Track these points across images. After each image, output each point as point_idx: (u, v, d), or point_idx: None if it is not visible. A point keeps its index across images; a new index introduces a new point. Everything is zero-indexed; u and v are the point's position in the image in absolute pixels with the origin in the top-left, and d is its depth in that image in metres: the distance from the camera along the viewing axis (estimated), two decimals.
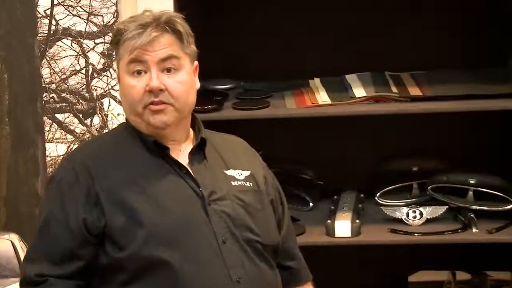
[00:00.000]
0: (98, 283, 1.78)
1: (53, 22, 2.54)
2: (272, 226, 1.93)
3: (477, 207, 2.48)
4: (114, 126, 2.53)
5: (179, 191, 1.81)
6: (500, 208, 2.47)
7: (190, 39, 1.86)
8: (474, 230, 2.41)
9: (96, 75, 2.56)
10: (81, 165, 1.79)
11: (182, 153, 1.86)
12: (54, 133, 2.58)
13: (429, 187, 2.55)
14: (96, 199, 1.76)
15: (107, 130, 2.57)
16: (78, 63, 2.55)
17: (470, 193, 2.51)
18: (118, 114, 2.56)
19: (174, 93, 1.80)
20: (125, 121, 1.91)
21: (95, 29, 2.54)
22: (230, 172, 1.91)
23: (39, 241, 1.79)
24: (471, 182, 2.52)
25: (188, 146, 1.88)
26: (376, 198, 2.63)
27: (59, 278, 1.75)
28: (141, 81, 1.80)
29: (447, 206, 2.50)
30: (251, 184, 1.92)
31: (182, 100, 1.82)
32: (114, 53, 1.89)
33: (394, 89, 2.51)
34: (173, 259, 1.74)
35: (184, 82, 1.83)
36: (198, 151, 1.88)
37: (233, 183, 1.89)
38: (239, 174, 1.91)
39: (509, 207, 2.46)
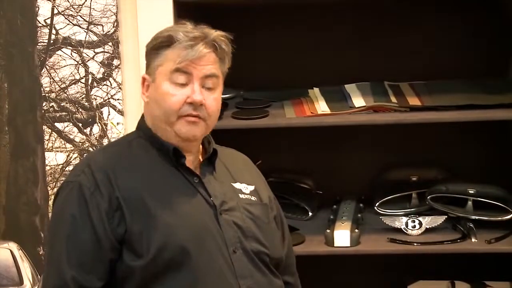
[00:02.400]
0: None
1: (53, 31, 2.55)
2: (277, 240, 1.97)
3: (476, 217, 2.48)
4: (113, 135, 2.56)
5: (193, 200, 1.83)
6: (499, 218, 2.48)
7: (228, 60, 1.90)
8: (473, 240, 2.41)
9: (95, 84, 2.56)
10: (100, 171, 1.78)
11: (193, 164, 1.89)
12: (53, 142, 2.58)
13: (428, 197, 2.55)
14: (117, 206, 1.76)
15: (106, 139, 2.57)
16: (78, 72, 2.55)
17: (469, 203, 2.51)
18: (117, 123, 2.56)
19: (210, 110, 1.85)
20: (136, 130, 1.92)
21: (95, 38, 2.54)
22: (237, 185, 1.94)
23: (67, 247, 1.74)
24: (470, 192, 2.52)
25: (197, 157, 1.91)
26: (375, 207, 2.63)
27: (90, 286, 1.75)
28: (182, 92, 1.82)
29: (446, 216, 2.51)
30: (256, 198, 1.95)
31: (214, 118, 1.88)
32: (149, 56, 1.87)
33: (393, 99, 2.51)
34: (187, 267, 1.76)
35: (219, 100, 1.88)
36: (208, 162, 1.92)
37: (240, 195, 1.92)
38: (245, 188, 1.95)
39: (508, 217, 2.47)
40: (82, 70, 2.56)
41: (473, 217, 2.48)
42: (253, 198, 1.94)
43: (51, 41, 2.55)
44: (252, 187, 1.96)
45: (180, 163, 1.86)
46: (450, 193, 2.54)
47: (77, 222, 1.75)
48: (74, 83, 2.56)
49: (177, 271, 1.76)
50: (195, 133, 1.84)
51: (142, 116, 1.92)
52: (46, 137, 2.58)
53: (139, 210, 1.76)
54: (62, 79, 2.56)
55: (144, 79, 1.87)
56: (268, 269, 1.88)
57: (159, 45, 1.84)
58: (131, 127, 2.49)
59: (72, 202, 1.76)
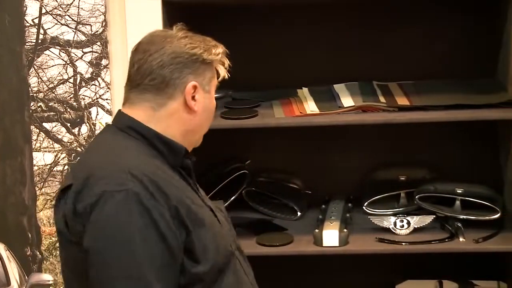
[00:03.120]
0: None
1: (41, 31, 2.55)
2: None
3: (464, 217, 2.50)
4: None
5: (200, 201, 1.83)
6: (487, 218, 2.49)
7: None
8: (461, 239, 2.43)
9: (84, 84, 2.56)
10: (145, 177, 1.67)
11: None
12: (41, 142, 2.58)
13: (416, 197, 2.56)
14: (175, 214, 1.69)
15: None
16: (66, 72, 2.55)
17: (457, 202, 2.52)
18: (106, 123, 2.55)
19: None
20: (119, 132, 1.79)
21: (83, 38, 2.54)
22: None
23: (149, 264, 1.63)
24: (458, 191, 2.53)
25: None
26: (364, 207, 2.64)
27: None
28: None
29: (434, 215, 2.51)
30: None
31: None
32: (201, 66, 1.81)
33: (382, 99, 2.52)
34: (231, 267, 1.82)
35: None
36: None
37: (206, 196, 1.93)
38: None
39: (495, 216, 2.49)
40: (70, 70, 2.56)
41: (461, 216, 2.50)
42: (206, 197, 1.94)
43: (39, 41, 2.55)
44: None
45: (186, 165, 1.83)
46: (438, 193, 2.56)
47: (147, 234, 1.63)
48: (62, 83, 2.56)
49: (226, 273, 1.79)
50: None
51: (131, 118, 1.79)
52: (34, 137, 2.58)
53: (191, 217, 1.72)
54: (50, 79, 2.56)
55: (195, 88, 1.79)
56: (246, 261, 1.94)
57: (218, 60, 1.84)
58: None
59: (133, 213, 1.63)
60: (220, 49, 1.85)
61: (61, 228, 1.71)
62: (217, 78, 1.86)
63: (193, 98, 1.79)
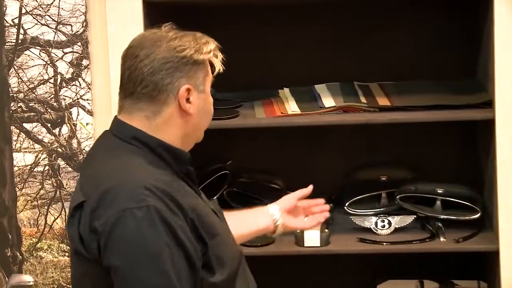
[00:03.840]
0: None
1: (21, 31, 2.53)
2: None
3: (445, 217, 2.52)
4: (82, 136, 2.56)
5: (206, 207, 1.82)
6: (467, 218, 2.52)
7: None
8: (441, 239, 2.45)
9: (64, 85, 2.55)
10: (161, 191, 1.66)
11: None
12: (21, 143, 2.57)
13: (397, 197, 2.58)
14: (192, 227, 1.69)
15: (75, 140, 2.56)
16: (47, 72, 2.55)
17: (438, 202, 2.54)
18: (87, 124, 2.56)
19: None
20: (120, 141, 1.77)
21: (63, 38, 2.53)
22: None
23: (178, 280, 1.63)
24: (439, 191, 2.55)
25: None
26: (345, 207, 2.65)
27: None
28: None
29: (415, 216, 2.54)
30: None
31: None
32: (194, 67, 1.78)
33: (363, 99, 2.53)
34: (241, 272, 1.83)
35: None
36: None
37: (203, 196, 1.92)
38: None
39: (476, 216, 2.51)
40: (50, 70, 2.55)
41: (442, 216, 2.52)
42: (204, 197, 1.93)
43: (19, 41, 2.54)
44: None
45: (189, 171, 1.81)
46: (419, 193, 2.57)
47: (173, 251, 1.63)
48: (43, 83, 2.55)
49: (238, 276, 1.81)
50: None
51: (127, 125, 1.77)
52: (14, 138, 2.57)
53: (205, 228, 1.72)
54: (31, 79, 2.55)
55: (189, 91, 1.76)
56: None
57: (207, 56, 1.81)
58: (100, 127, 2.50)
59: (157, 229, 1.62)
60: (212, 44, 1.82)
61: (77, 245, 1.69)
62: (213, 73, 1.84)
63: (187, 100, 1.77)
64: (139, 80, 1.74)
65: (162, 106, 1.75)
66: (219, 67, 1.84)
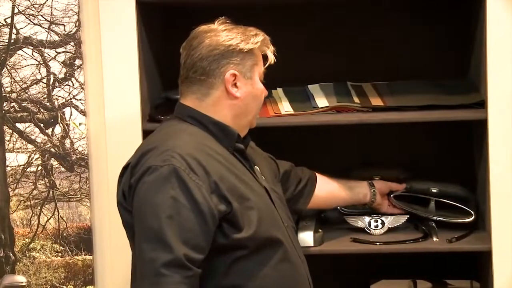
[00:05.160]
0: (214, 257, 1.92)
1: (14, 31, 2.53)
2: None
3: (438, 218, 2.54)
4: (75, 136, 2.56)
5: (254, 183, 2.05)
6: (460, 221, 2.53)
7: None
8: (434, 239, 2.46)
9: (57, 85, 2.55)
10: (189, 156, 1.90)
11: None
12: (14, 143, 2.57)
13: (391, 196, 2.60)
14: (215, 187, 1.91)
15: (68, 140, 2.56)
16: (39, 72, 2.54)
17: (432, 203, 2.56)
18: (80, 124, 2.56)
19: None
20: (176, 118, 2.04)
21: (56, 38, 2.53)
22: (256, 168, 2.16)
23: (173, 226, 1.85)
24: (433, 191, 2.57)
25: None
26: (338, 207, 2.65)
27: (200, 263, 1.89)
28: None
29: (408, 216, 2.55)
30: (265, 178, 2.18)
31: None
32: (242, 55, 2.03)
33: (356, 99, 2.54)
34: (280, 237, 2.03)
35: None
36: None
37: (263, 177, 2.15)
38: (258, 171, 2.16)
39: (469, 219, 2.52)
40: (43, 70, 2.54)
41: (435, 218, 2.54)
42: (264, 179, 2.14)
43: (12, 41, 2.53)
44: (258, 169, 2.16)
45: (239, 148, 2.05)
46: (413, 192, 2.59)
47: (179, 203, 1.86)
48: (36, 83, 2.55)
49: (276, 241, 2.01)
50: None
51: (189, 107, 2.03)
52: (7, 138, 2.57)
53: (233, 192, 1.93)
54: (23, 79, 2.55)
55: (235, 76, 2.01)
56: (296, 239, 2.19)
57: (254, 47, 2.04)
58: (94, 127, 2.52)
59: (169, 183, 1.87)
60: (261, 37, 2.06)
61: (121, 199, 1.98)
62: (265, 65, 2.07)
63: (235, 85, 2.01)
64: (191, 66, 2.01)
65: (210, 89, 2.02)
66: (271, 58, 2.08)
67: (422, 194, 2.60)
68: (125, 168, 2.01)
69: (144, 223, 1.88)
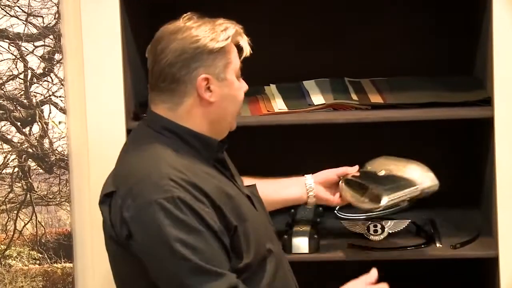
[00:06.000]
0: None
1: None
2: None
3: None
4: (55, 135, 2.57)
5: (239, 194, 1.99)
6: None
7: None
8: (437, 245, 2.47)
9: (35, 80, 2.55)
10: (184, 181, 1.85)
11: None
12: None
13: (340, 181, 2.52)
14: (220, 214, 1.88)
15: (47, 140, 2.57)
16: (16, 67, 2.54)
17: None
18: (59, 123, 2.56)
19: None
20: (152, 131, 1.97)
21: (34, 31, 2.52)
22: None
23: (202, 254, 1.82)
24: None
25: None
26: (335, 211, 2.68)
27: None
28: (243, 85, 2.03)
29: (409, 220, 2.56)
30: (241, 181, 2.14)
31: None
32: (212, 56, 1.93)
33: (354, 96, 2.55)
34: (271, 246, 2.02)
35: None
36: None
37: (238, 181, 2.09)
38: (236, 174, 2.12)
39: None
40: (20, 65, 2.54)
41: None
42: (239, 182, 2.10)
43: None
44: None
45: (220, 158, 2.00)
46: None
47: (205, 234, 1.83)
48: (12, 79, 2.55)
49: (270, 254, 2.00)
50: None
51: (163, 117, 1.95)
52: None
53: (235, 213, 1.91)
54: None
55: (208, 80, 1.92)
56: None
57: (225, 44, 1.94)
58: (74, 126, 2.55)
59: (187, 216, 1.82)
60: (231, 29, 1.96)
61: (109, 230, 1.92)
62: (240, 57, 1.99)
63: (208, 89, 1.93)
64: (158, 74, 1.93)
65: (183, 98, 1.93)
66: (247, 50, 1.99)
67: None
68: (107, 196, 1.93)
69: (161, 263, 1.84)
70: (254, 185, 2.16)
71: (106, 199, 1.93)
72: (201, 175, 1.90)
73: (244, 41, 1.99)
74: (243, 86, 2.03)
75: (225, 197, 1.91)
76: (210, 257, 1.82)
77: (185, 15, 1.99)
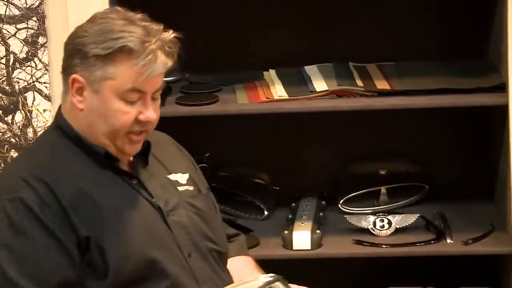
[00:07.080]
0: None
1: None
2: (222, 232, 2.03)
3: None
4: (39, 124, 2.55)
5: (137, 204, 1.85)
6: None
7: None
8: (448, 240, 2.46)
9: (18, 66, 2.52)
10: (36, 179, 1.78)
11: (125, 162, 1.90)
12: None
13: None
14: (66, 217, 1.77)
15: (31, 129, 2.54)
16: None
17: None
18: (44, 110, 2.53)
19: (155, 119, 1.85)
20: (54, 128, 1.90)
21: (16, 12, 2.49)
22: (172, 177, 1.96)
23: (27, 267, 1.74)
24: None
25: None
26: (339, 205, 2.66)
27: None
28: (134, 109, 1.80)
29: (418, 214, 2.55)
30: (193, 187, 1.98)
31: (155, 125, 1.89)
32: (89, 60, 1.78)
33: (359, 82, 2.53)
34: (149, 276, 1.81)
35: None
36: (140, 158, 1.92)
37: (179, 188, 1.95)
38: (181, 178, 1.97)
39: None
40: (2, 49, 2.51)
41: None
42: (191, 189, 1.96)
43: None
44: (187, 175, 1.98)
45: (115, 167, 1.86)
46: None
47: (36, 238, 1.75)
48: None
49: (146, 284, 1.81)
50: (138, 149, 1.87)
51: (60, 112, 1.88)
52: None
53: (93, 224, 1.78)
54: None
55: (80, 82, 1.79)
56: (220, 266, 1.94)
57: (107, 54, 1.76)
58: None
59: (18, 217, 1.75)
60: (133, 41, 1.75)
61: None
62: (131, 83, 1.78)
63: (81, 94, 1.80)
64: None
65: (66, 92, 1.84)
66: (153, 71, 1.76)
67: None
68: None
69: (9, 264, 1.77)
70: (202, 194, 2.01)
71: None
72: (66, 177, 1.80)
73: (157, 60, 1.77)
74: (131, 112, 1.80)
75: (88, 203, 1.79)
76: (35, 265, 1.73)
77: (135, 12, 1.83)
